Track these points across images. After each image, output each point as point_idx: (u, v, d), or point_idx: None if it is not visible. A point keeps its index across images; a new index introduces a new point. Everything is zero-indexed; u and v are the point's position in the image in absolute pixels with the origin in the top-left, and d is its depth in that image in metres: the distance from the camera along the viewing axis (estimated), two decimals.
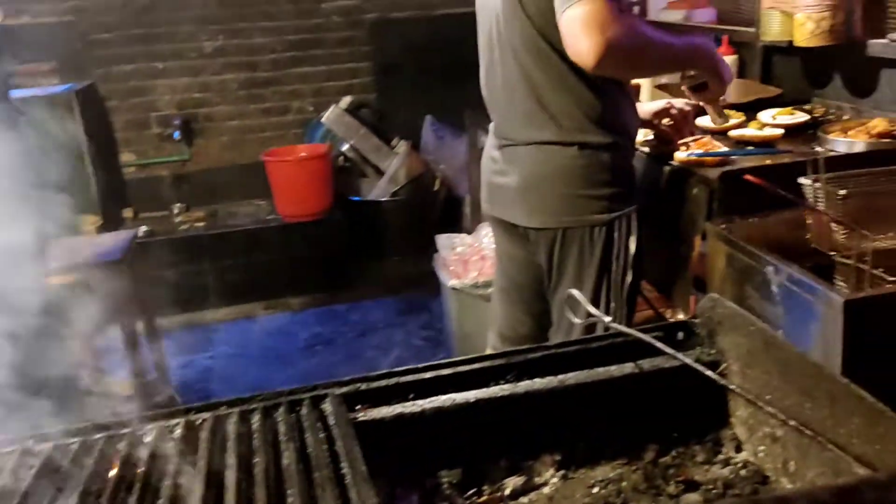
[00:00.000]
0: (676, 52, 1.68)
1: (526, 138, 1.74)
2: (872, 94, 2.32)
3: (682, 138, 2.01)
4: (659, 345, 0.96)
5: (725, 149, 1.91)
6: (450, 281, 2.69)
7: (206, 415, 0.81)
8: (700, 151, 1.88)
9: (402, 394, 0.93)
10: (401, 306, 3.84)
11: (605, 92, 1.70)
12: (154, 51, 4.26)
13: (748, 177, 1.46)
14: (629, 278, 1.79)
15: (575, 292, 1.10)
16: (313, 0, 4.45)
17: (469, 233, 2.93)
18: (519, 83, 1.72)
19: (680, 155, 1.95)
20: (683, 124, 2.01)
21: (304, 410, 0.83)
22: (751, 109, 2.36)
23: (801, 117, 2.24)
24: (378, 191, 4.36)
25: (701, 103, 1.99)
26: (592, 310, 1.08)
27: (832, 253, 1.59)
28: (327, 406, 0.84)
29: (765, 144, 2.07)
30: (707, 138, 2.03)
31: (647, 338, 0.98)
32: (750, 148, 2.04)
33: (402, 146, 4.42)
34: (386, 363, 3.20)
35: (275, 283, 4.00)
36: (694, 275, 1.92)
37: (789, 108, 2.27)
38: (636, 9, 1.95)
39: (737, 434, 0.98)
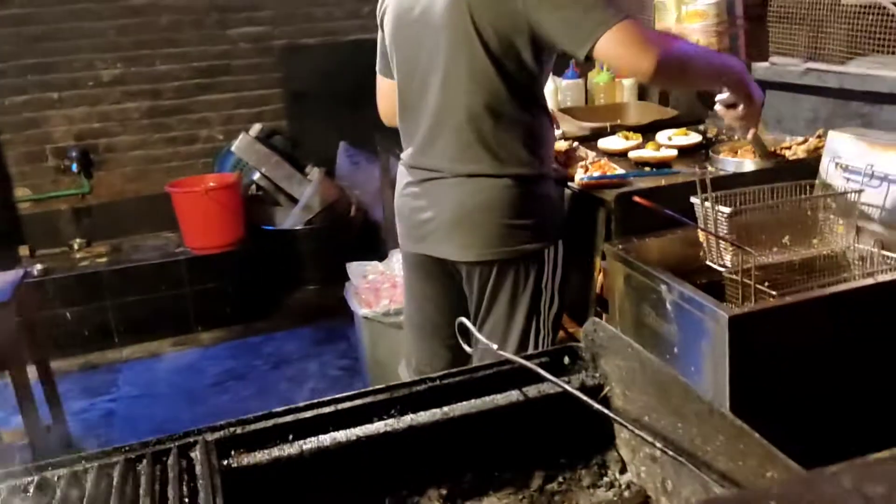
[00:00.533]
0: (715, 65, 1.72)
1: (456, 170, 1.70)
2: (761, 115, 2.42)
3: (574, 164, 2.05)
4: (542, 372, 0.96)
5: (621, 171, 1.96)
6: (361, 310, 2.66)
7: (62, 471, 0.77)
8: (597, 174, 1.92)
9: (282, 436, 0.90)
10: (317, 336, 3.78)
11: (541, 123, 1.72)
12: (49, 80, 4.10)
13: (637, 199, 1.50)
14: (556, 307, 1.81)
15: (464, 320, 1.10)
16: (219, 26, 4.38)
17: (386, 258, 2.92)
18: (456, 113, 1.67)
19: (579, 177, 1.99)
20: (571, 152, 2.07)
21: (170, 461, 0.79)
22: (650, 131, 2.44)
23: (694, 138, 2.32)
24: (292, 219, 4.30)
25: (732, 126, 1.99)
26: (481, 337, 1.08)
27: (722, 269, 1.65)
28: (196, 454, 0.81)
29: (661, 165, 2.14)
30: (604, 160, 2.08)
31: (531, 364, 0.98)
32: (647, 169, 2.11)
33: (315, 173, 4.37)
34: (301, 396, 3.13)
35: (183, 319, 3.87)
36: (598, 295, 1.96)
37: (684, 129, 2.36)
38: None
39: (621, 455, 0.99)
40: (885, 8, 1.90)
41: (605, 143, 2.34)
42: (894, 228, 1.69)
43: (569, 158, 2.09)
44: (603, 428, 1.01)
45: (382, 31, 1.83)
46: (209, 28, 4.36)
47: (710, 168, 1.92)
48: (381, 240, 4.17)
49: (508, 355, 1.04)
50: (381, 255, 3.04)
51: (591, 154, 2.11)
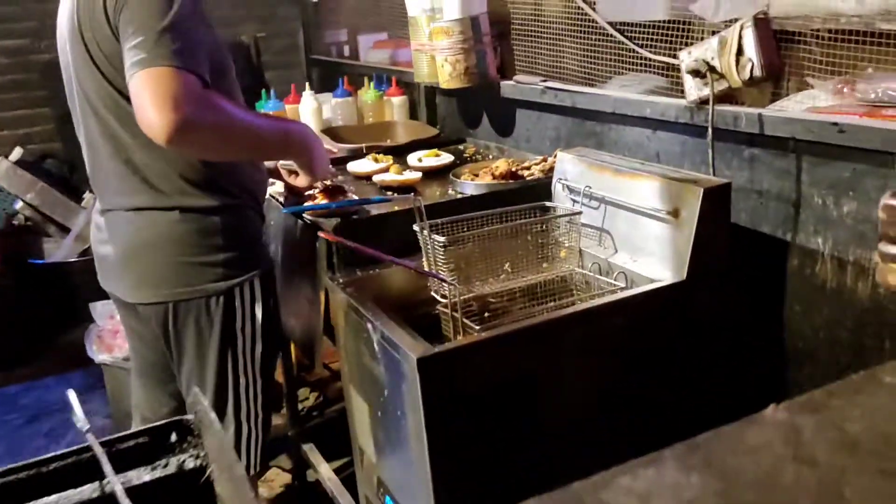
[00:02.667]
0: (266, 139, 1.52)
1: (123, 204, 1.56)
2: (513, 133, 2.42)
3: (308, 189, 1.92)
4: (105, 464, 0.80)
5: (349, 199, 1.84)
6: (99, 355, 2.40)
7: None
8: (323, 203, 1.80)
9: None
10: (87, 381, 3.42)
11: None
12: None
13: (323, 234, 1.39)
14: (259, 349, 1.66)
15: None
16: None
17: None
18: (104, 143, 1.53)
19: (308, 206, 1.86)
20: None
21: None
22: (410, 151, 2.37)
23: (444, 159, 2.26)
24: (64, 251, 3.91)
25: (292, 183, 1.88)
26: (79, 412, 0.92)
27: (441, 300, 1.58)
28: None
29: (404, 188, 2.05)
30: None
31: (99, 453, 0.82)
32: (389, 193, 2.02)
33: (92, 200, 4.01)
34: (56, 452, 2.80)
35: None
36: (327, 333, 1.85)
37: (434, 150, 2.29)
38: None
39: None
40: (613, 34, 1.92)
41: (354, 166, 2.24)
42: (609, 250, 1.69)
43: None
44: None
45: None
46: None
47: (451, 191, 1.83)
48: None
49: (93, 441, 0.88)
50: None
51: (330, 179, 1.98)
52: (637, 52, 1.86)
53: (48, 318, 3.81)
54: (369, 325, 1.48)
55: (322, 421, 2.63)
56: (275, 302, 1.72)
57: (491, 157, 2.38)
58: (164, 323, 1.60)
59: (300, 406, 2.62)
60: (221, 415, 1.65)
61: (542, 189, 1.87)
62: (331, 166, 1.77)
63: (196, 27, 1.37)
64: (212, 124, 1.34)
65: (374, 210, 1.83)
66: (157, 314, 1.60)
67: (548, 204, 1.75)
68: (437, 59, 2.33)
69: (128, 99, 1.41)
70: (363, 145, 2.43)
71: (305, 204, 1.83)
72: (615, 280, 1.62)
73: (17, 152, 3.96)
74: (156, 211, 1.54)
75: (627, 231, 1.64)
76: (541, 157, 2.10)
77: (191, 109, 1.29)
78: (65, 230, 3.94)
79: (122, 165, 1.53)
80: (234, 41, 4.25)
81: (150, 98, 1.28)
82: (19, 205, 3.88)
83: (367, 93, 2.90)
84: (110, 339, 2.41)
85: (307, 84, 2.94)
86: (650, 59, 1.84)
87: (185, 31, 1.34)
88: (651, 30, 1.81)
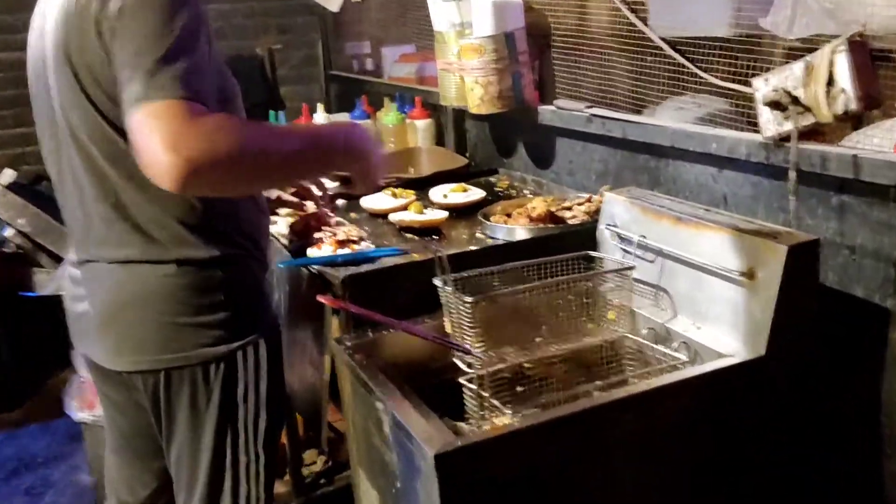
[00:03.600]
0: (301, 153, 1.36)
1: (107, 255, 1.45)
2: (553, 165, 2.30)
3: (317, 228, 1.80)
4: None
5: (357, 251, 1.70)
6: (78, 413, 2.28)
7: None
8: (326, 255, 1.66)
9: None
10: (75, 429, 3.32)
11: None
12: None
13: (323, 298, 1.24)
14: (263, 422, 1.53)
15: None
16: None
17: None
18: (89, 183, 1.42)
19: (313, 253, 1.73)
20: (320, 213, 1.81)
21: None
22: (438, 182, 2.25)
23: (473, 195, 2.13)
24: (56, 283, 3.82)
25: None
26: None
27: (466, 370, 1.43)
28: None
29: (426, 231, 1.92)
30: (351, 228, 1.83)
31: None
32: (409, 236, 1.89)
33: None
34: None
35: None
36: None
37: (462, 185, 2.16)
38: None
39: None
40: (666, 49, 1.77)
41: (369, 201, 2.11)
42: (668, 313, 1.55)
43: (307, 227, 1.82)
44: None
45: None
46: None
47: (441, 247, 1.67)
48: None
49: None
50: None
51: (334, 220, 1.85)
52: (698, 76, 1.71)
53: (38, 357, 3.72)
54: (379, 405, 1.34)
55: (331, 490, 2.48)
56: (281, 366, 1.59)
57: (527, 192, 2.25)
58: (154, 393, 1.48)
59: (306, 472, 2.47)
60: (216, 498, 1.51)
61: (586, 235, 1.75)
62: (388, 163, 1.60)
63: (201, 47, 1.27)
64: (228, 154, 1.21)
65: (390, 258, 1.69)
66: (145, 384, 1.48)
67: (593, 254, 1.62)
68: (467, 80, 2.22)
69: (121, 132, 1.32)
70: None
71: (309, 253, 1.70)
72: (676, 351, 1.47)
73: (7, 174, 3.89)
74: (147, 264, 1.42)
75: (690, 291, 1.50)
76: (585, 196, 1.96)
77: (201, 144, 1.17)
78: (58, 259, 3.86)
79: (110, 210, 1.41)
80: (247, 53, 4.18)
81: (152, 138, 1.17)
82: (9, 232, 3.80)
83: (388, 115, 2.79)
84: (93, 393, 2.29)
85: (319, 103, 2.82)
86: (714, 86, 1.68)
87: (189, 54, 1.24)
88: (711, 49, 1.67)
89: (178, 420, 1.49)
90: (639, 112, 1.94)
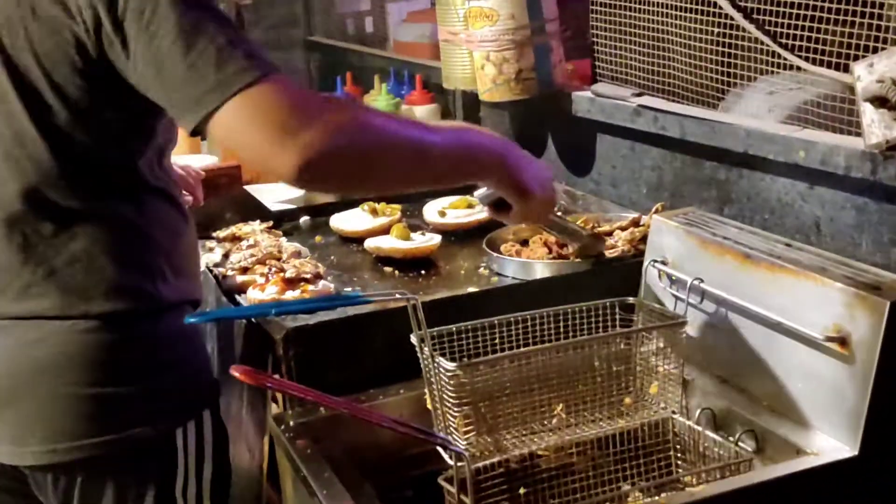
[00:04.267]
0: (440, 152, 1.44)
1: (6, 308, 1.44)
2: (590, 172, 2.28)
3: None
4: None
5: (303, 293, 1.67)
6: None
7: None
8: (258, 305, 1.64)
9: None
10: None
11: (157, 218, 1.47)
12: None
13: (236, 371, 1.20)
14: None
15: None
16: None
17: None
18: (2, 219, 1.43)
19: (254, 295, 1.71)
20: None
21: None
22: (437, 194, 2.23)
23: (481, 213, 2.08)
24: None
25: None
26: None
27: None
28: None
29: (411, 262, 1.88)
30: (305, 261, 1.80)
31: None
32: (388, 270, 1.86)
33: None
34: None
35: None
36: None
37: (466, 199, 2.13)
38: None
39: None
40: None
41: (340, 220, 2.09)
42: (731, 387, 1.52)
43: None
44: None
45: None
46: None
47: (413, 297, 1.60)
48: None
49: None
50: None
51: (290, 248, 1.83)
52: (785, 58, 1.67)
53: None
54: None
55: None
56: (227, 442, 1.59)
57: (556, 208, 2.19)
58: (66, 497, 1.46)
59: None
60: None
61: (627, 274, 1.74)
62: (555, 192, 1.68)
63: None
64: (361, 145, 1.33)
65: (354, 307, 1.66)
66: (54, 484, 1.46)
67: (633, 301, 1.58)
68: (476, 56, 2.21)
69: (57, 142, 1.37)
70: None
71: (249, 296, 1.67)
72: (739, 443, 1.43)
73: None
74: (61, 320, 1.42)
75: (763, 358, 1.47)
76: (631, 218, 1.91)
77: (321, 125, 1.27)
78: None
79: (16, 251, 1.41)
80: None
81: (262, 129, 1.26)
82: None
83: (377, 99, 2.79)
84: None
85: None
86: (804, 69, 1.64)
87: (232, 27, 1.33)
88: (806, 21, 1.62)
89: None
90: (717, 99, 1.89)
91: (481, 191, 1.61)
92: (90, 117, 1.38)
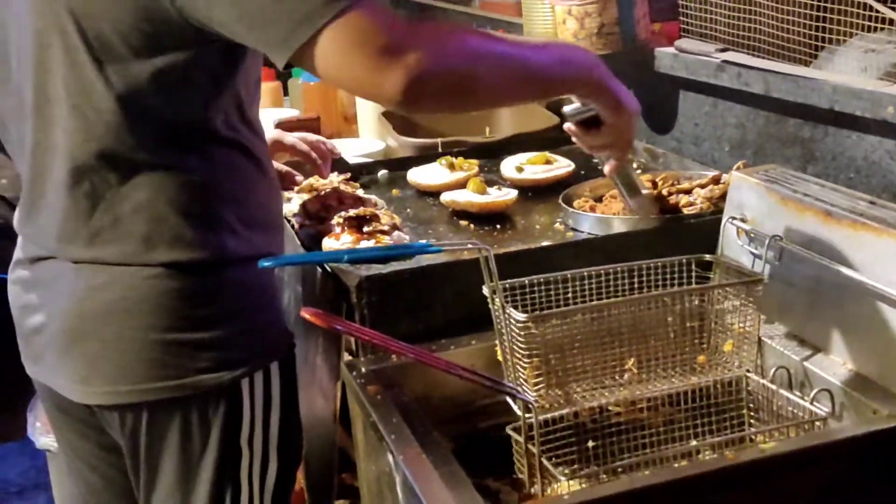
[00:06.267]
0: (537, 63, 1.47)
1: (73, 253, 1.47)
2: (672, 130, 2.26)
3: (335, 210, 1.81)
4: None
5: (381, 245, 1.68)
6: (42, 437, 2.37)
7: None
8: (334, 251, 1.66)
9: None
10: None
11: (228, 172, 1.48)
12: None
13: (306, 313, 1.21)
14: (273, 472, 1.55)
15: None
16: None
17: None
18: (58, 161, 1.45)
19: (329, 244, 1.73)
20: (307, 156, 1.92)
21: None
22: (517, 149, 2.24)
23: (559, 168, 2.10)
24: None
25: (599, 157, 1.80)
26: None
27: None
28: None
29: (486, 216, 1.88)
30: (383, 212, 1.80)
31: None
32: (463, 223, 1.88)
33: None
34: None
35: None
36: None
37: (544, 155, 2.12)
38: None
39: None
40: None
41: (417, 174, 2.10)
42: (807, 347, 1.50)
43: (326, 209, 1.82)
44: None
45: None
46: None
47: (486, 247, 1.59)
48: None
49: None
50: None
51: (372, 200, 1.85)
52: (882, 13, 1.61)
53: (18, 359, 3.90)
54: (391, 458, 1.33)
55: None
56: (296, 397, 1.61)
57: (636, 165, 2.18)
58: (133, 436, 1.50)
59: None
60: None
61: (705, 230, 1.72)
62: None
63: None
64: (455, 60, 1.34)
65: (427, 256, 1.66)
66: (122, 422, 1.49)
67: (710, 258, 1.57)
68: (558, 10, 2.20)
69: (127, 95, 1.37)
70: (438, 140, 2.30)
71: (325, 245, 1.70)
72: (814, 401, 1.40)
73: None
74: (126, 266, 1.44)
75: (842, 318, 1.44)
76: (710, 175, 1.88)
77: (418, 47, 1.28)
78: None
79: (81, 198, 1.43)
80: None
81: (357, 55, 1.27)
82: None
83: None
84: None
85: None
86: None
87: None
88: None
89: (164, 470, 1.50)
90: (808, 56, 1.84)
91: (572, 106, 1.59)
92: (157, 66, 1.38)
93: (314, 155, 1.94)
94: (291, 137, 1.94)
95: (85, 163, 1.41)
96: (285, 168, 1.92)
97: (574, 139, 1.68)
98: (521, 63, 1.43)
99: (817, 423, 1.36)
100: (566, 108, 1.63)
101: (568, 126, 1.66)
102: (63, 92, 1.40)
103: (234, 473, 1.51)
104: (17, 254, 1.58)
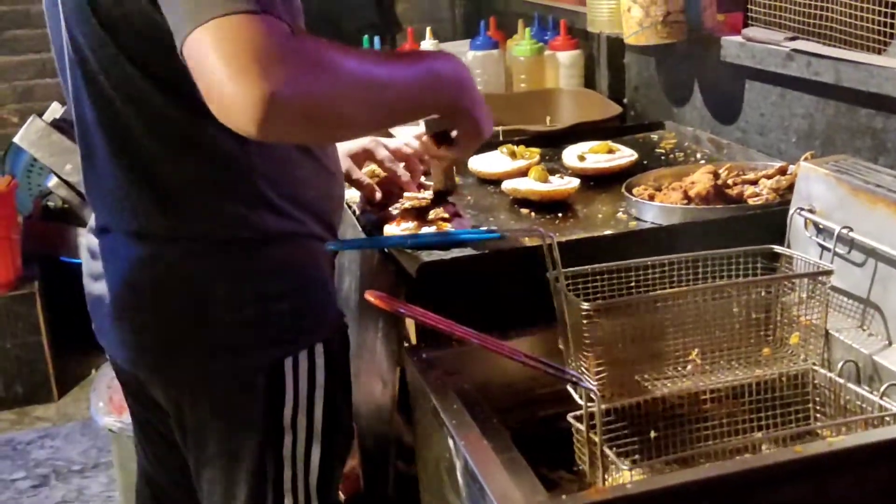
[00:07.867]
0: (407, 90, 1.40)
1: (123, 224, 1.49)
2: (737, 121, 2.23)
3: (398, 197, 1.80)
4: None
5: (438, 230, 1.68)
6: (104, 418, 2.41)
7: None
8: (396, 236, 1.66)
9: None
10: None
11: (270, 149, 1.47)
12: None
13: (371, 296, 1.21)
14: (317, 456, 1.55)
15: None
16: None
17: None
18: (100, 131, 1.46)
19: (390, 230, 1.72)
20: (395, 176, 1.82)
21: None
22: (580, 139, 2.22)
23: (622, 158, 2.07)
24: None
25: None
26: None
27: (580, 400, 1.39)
28: None
29: (548, 204, 1.87)
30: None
31: None
32: (524, 212, 1.87)
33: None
34: None
35: None
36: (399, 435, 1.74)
37: (606, 144, 2.09)
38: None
39: None
40: None
41: (479, 162, 2.09)
42: (877, 340, 1.47)
43: (387, 196, 1.82)
44: None
45: None
46: None
47: (550, 234, 1.55)
48: None
49: None
50: None
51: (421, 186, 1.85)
52: None
53: (83, 337, 3.95)
54: (451, 443, 1.33)
55: None
56: (346, 382, 1.61)
57: (700, 156, 2.16)
58: (178, 410, 1.53)
59: None
60: None
61: (771, 222, 1.68)
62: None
63: None
64: (323, 88, 1.22)
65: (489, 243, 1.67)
66: (166, 395, 1.53)
67: (778, 250, 1.54)
68: None
69: (154, 84, 1.38)
70: (499, 128, 2.29)
71: (386, 231, 1.71)
72: (884, 397, 1.37)
73: (54, 109, 4.14)
74: (171, 241, 1.46)
75: None
76: (777, 166, 1.85)
77: (289, 70, 1.17)
78: None
79: (126, 170, 1.46)
80: None
81: (221, 64, 1.16)
82: (53, 181, 4.03)
83: (520, 44, 2.78)
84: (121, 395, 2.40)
85: (428, 30, 2.83)
86: None
87: None
88: None
89: (208, 447, 1.52)
90: (881, 44, 1.80)
91: (432, 117, 1.58)
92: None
93: (400, 172, 1.86)
94: (384, 152, 1.86)
95: (128, 139, 1.43)
96: (366, 180, 1.87)
97: (419, 146, 1.72)
98: (391, 93, 1.36)
99: (887, 419, 1.33)
100: (426, 119, 1.63)
101: (421, 134, 1.69)
102: (97, 63, 1.41)
103: (275, 453, 1.52)
104: (90, 222, 1.62)
